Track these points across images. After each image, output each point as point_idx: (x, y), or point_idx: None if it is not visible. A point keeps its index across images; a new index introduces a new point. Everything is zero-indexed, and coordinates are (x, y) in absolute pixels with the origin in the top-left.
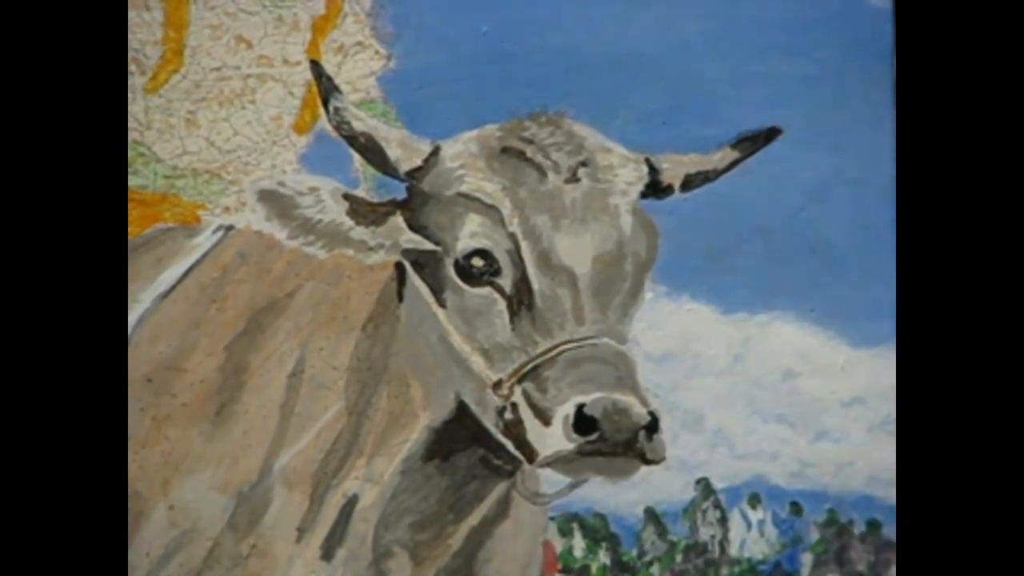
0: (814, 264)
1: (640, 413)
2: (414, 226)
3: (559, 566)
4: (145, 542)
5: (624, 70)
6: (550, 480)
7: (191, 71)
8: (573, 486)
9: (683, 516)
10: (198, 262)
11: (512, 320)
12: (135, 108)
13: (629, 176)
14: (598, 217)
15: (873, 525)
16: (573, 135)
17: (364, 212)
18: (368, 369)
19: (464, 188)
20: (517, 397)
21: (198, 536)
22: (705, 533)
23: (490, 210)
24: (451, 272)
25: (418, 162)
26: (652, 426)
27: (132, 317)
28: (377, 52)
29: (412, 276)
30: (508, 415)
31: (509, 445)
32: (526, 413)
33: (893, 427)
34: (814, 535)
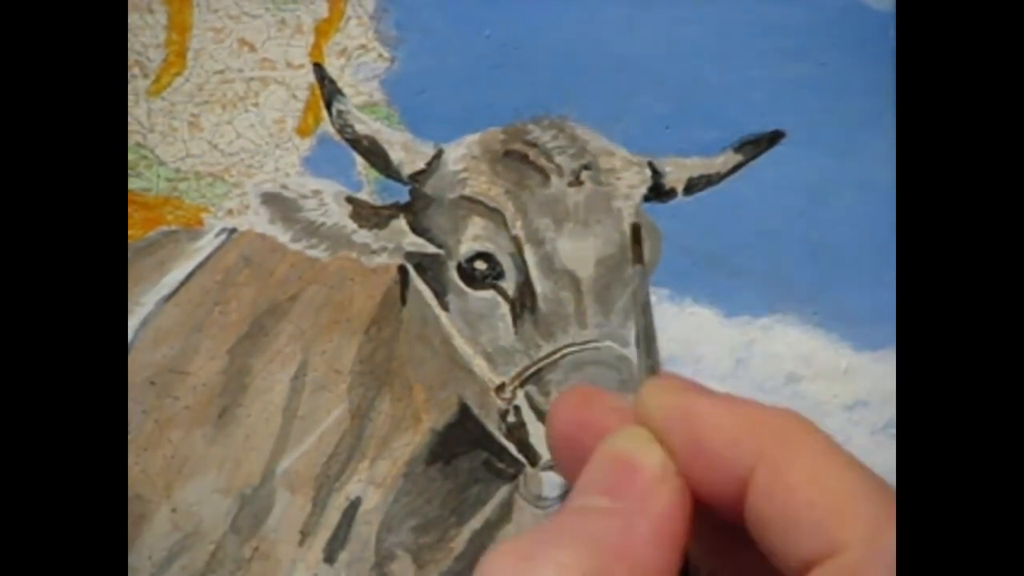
0: (816, 267)
1: None
2: (417, 229)
3: None
4: (147, 545)
5: (627, 74)
6: (553, 484)
7: (194, 74)
8: None
9: None
10: (200, 265)
11: (515, 323)
12: (137, 111)
13: (632, 179)
14: (601, 220)
15: None
16: (576, 138)
17: (367, 215)
18: (371, 372)
19: (467, 191)
20: (520, 400)
21: (200, 539)
22: None
23: (493, 213)
24: (454, 275)
25: (421, 165)
26: None
27: (134, 320)
28: (380, 55)
29: (415, 279)
30: (511, 418)
31: (512, 448)
32: (529, 416)
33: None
34: None
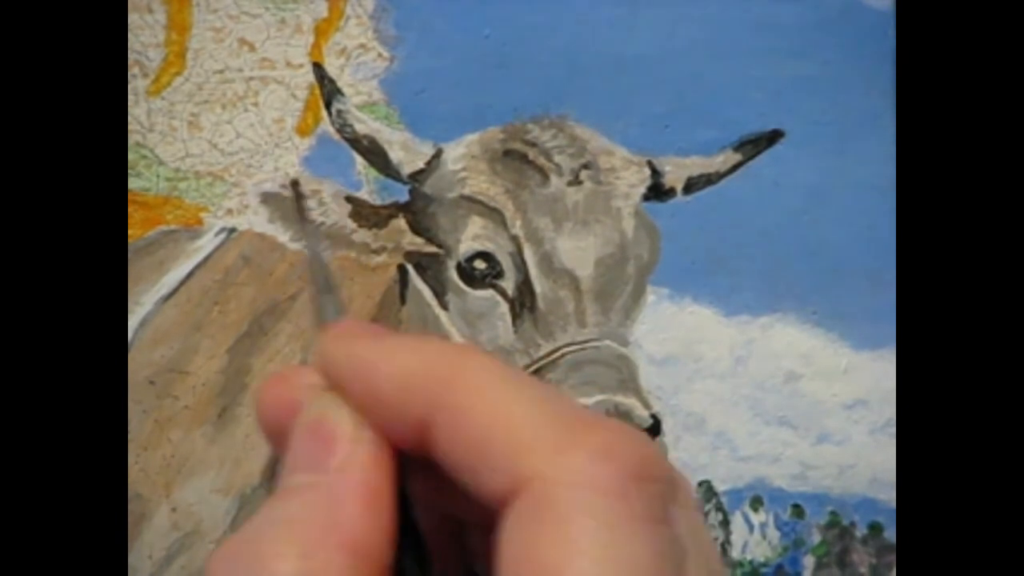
0: (816, 266)
1: (642, 416)
2: (416, 228)
3: None
4: (147, 544)
5: (626, 73)
6: None
7: (194, 73)
8: None
9: None
10: (200, 264)
11: (514, 323)
12: (137, 111)
13: (632, 179)
14: (600, 220)
15: (875, 528)
16: (576, 138)
17: (366, 215)
18: None
19: (466, 191)
20: None
21: (200, 538)
22: None
23: (492, 213)
24: (453, 274)
25: (420, 165)
26: (654, 429)
27: (134, 319)
28: (380, 55)
29: (414, 278)
30: None
31: None
32: None
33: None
34: (816, 537)
